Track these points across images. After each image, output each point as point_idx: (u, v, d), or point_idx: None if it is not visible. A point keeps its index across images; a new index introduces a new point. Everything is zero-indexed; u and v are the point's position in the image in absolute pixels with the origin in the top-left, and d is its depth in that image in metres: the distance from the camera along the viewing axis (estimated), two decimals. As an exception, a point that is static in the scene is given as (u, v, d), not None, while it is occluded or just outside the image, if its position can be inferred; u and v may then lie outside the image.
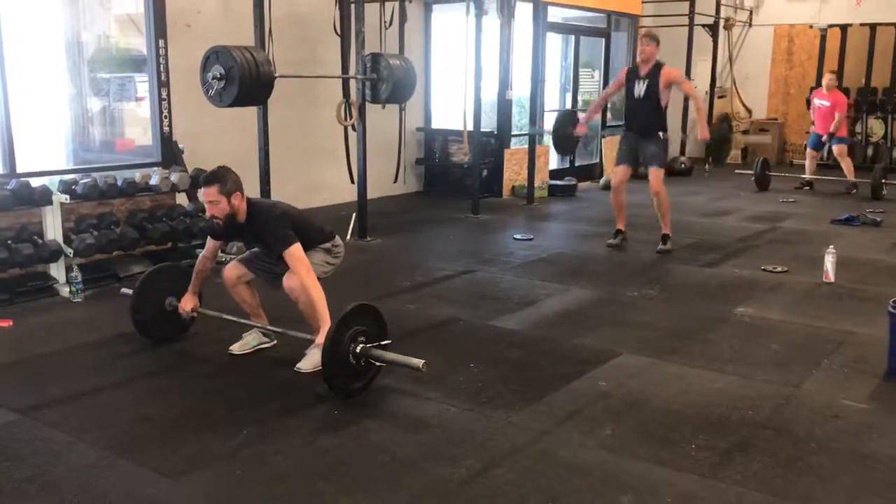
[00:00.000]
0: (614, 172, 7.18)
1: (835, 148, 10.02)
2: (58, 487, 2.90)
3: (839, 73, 12.40)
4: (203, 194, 3.97)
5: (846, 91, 12.36)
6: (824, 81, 10.07)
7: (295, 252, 3.91)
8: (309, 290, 3.86)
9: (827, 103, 9.97)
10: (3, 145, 5.48)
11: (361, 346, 3.67)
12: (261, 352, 4.31)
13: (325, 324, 3.80)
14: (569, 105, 11.36)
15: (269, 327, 4.28)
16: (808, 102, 10.30)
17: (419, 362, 3.57)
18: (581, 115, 7.31)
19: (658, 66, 6.67)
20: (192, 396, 3.77)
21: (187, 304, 4.30)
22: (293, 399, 3.72)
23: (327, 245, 4.22)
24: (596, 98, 7.51)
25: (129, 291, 4.44)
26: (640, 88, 6.72)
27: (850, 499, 2.92)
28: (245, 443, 3.26)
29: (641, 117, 6.79)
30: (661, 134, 6.86)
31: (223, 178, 3.92)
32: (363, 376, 3.77)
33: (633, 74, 6.81)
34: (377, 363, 3.76)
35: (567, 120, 7.36)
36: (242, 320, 4.31)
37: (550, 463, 3.12)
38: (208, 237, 4.29)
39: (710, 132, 6.64)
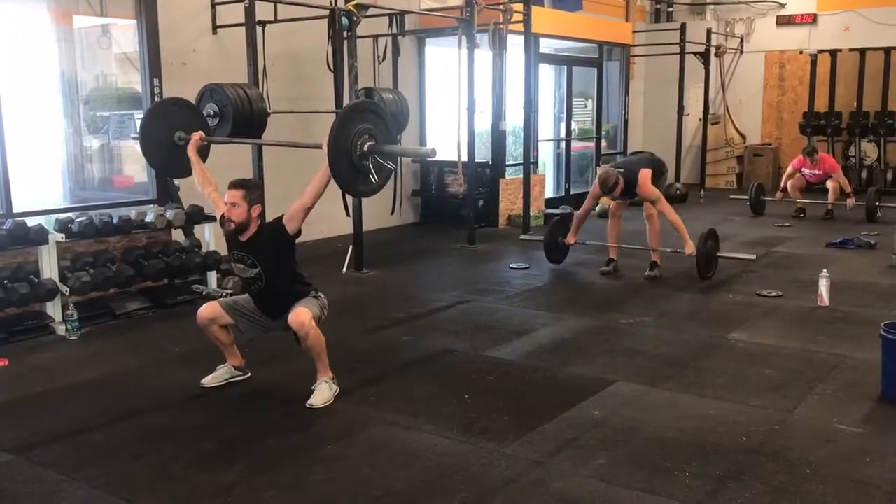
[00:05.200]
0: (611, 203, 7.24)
1: (830, 183, 10.08)
2: (49, 528, 2.90)
3: (830, 97, 12.55)
4: (227, 195, 4.05)
5: (839, 115, 12.51)
6: (805, 158, 10.07)
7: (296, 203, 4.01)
8: (317, 183, 4.01)
9: (818, 172, 10.11)
10: (0, 186, 5.53)
11: (369, 144, 3.84)
12: (252, 388, 4.31)
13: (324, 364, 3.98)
14: (563, 133, 11.46)
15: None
16: (793, 174, 10.33)
17: (429, 150, 3.91)
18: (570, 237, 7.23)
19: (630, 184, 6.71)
20: (185, 434, 3.76)
21: (196, 135, 4.57)
22: (286, 435, 3.72)
23: (315, 294, 4.20)
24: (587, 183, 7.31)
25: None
26: (615, 194, 6.78)
27: (844, 525, 2.91)
28: (237, 480, 3.26)
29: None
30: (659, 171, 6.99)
31: (251, 186, 4.10)
32: (369, 178, 3.94)
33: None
34: (386, 162, 3.95)
35: (557, 231, 7.42)
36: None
37: (543, 494, 3.12)
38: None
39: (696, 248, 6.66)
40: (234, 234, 4.06)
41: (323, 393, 4.04)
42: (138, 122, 6.64)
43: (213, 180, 4.49)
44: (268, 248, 4.08)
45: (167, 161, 4.80)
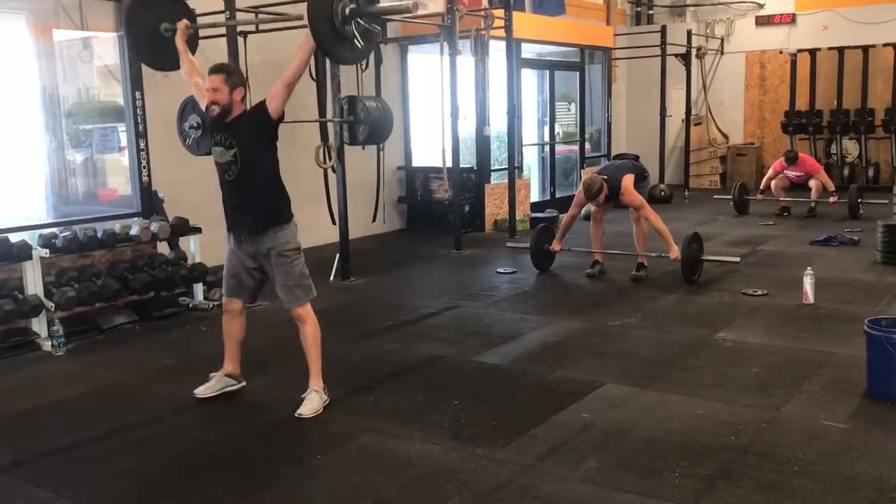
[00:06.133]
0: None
1: (812, 182, 10.15)
2: (38, 546, 2.88)
3: (811, 96, 12.65)
4: (209, 81, 4.03)
5: (819, 113, 12.61)
6: (786, 164, 10.12)
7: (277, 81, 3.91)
8: (300, 54, 3.89)
9: (801, 173, 10.18)
10: (-18, 203, 5.50)
11: (351, 7, 3.67)
12: (241, 399, 4.29)
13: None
14: (547, 137, 11.51)
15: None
16: (774, 176, 10.38)
17: (409, 3, 3.72)
18: (556, 244, 7.27)
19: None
20: (174, 447, 3.75)
21: (182, 23, 4.52)
22: (275, 445, 3.71)
23: (290, 229, 4.12)
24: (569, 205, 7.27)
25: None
26: (599, 199, 6.82)
27: (833, 521, 2.93)
28: (226, 492, 3.25)
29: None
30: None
31: (232, 70, 4.12)
32: (354, 44, 3.76)
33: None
34: (370, 25, 3.77)
35: (543, 238, 7.44)
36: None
37: (534, 499, 3.12)
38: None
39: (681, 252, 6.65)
40: (219, 117, 4.05)
41: (313, 402, 4.04)
42: (122, 135, 6.65)
43: (200, 70, 4.46)
44: (248, 128, 4.04)
45: (155, 54, 4.74)
